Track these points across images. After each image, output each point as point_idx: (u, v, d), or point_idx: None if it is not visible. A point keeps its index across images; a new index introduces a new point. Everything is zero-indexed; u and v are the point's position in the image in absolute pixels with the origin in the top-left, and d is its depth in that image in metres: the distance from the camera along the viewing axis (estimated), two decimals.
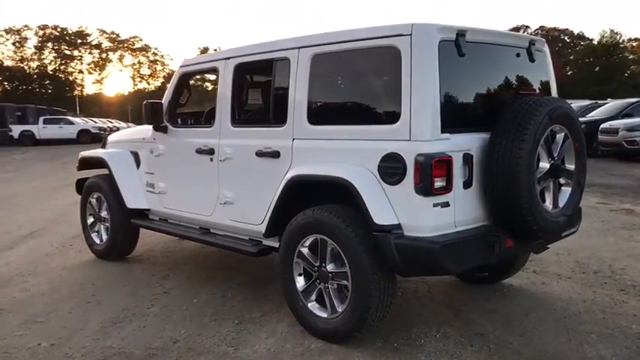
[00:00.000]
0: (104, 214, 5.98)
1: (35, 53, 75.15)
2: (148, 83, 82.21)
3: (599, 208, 8.65)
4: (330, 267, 3.82)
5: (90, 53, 78.45)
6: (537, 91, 4.25)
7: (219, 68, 4.75)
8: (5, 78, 73.69)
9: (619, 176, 12.46)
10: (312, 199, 3.99)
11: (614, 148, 15.91)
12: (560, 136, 3.81)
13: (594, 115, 18.31)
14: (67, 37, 75.96)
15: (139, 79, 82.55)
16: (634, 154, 15.35)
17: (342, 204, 3.79)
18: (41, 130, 34.36)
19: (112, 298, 4.81)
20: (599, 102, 21.44)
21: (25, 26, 73.75)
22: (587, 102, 22.48)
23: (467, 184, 3.58)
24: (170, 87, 5.36)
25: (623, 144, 15.51)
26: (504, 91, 3.87)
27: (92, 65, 77.61)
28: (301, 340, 3.91)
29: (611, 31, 67.25)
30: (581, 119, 15.59)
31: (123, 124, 41.56)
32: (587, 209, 8.46)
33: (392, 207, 3.52)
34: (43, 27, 74.78)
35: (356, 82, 3.99)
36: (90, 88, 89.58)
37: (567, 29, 73.79)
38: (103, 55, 77.86)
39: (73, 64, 78.04)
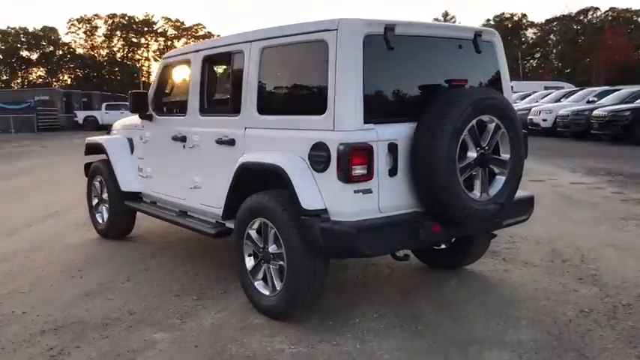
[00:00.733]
0: (105, 196, 6.43)
1: (104, 41, 78.15)
2: None
3: (610, 198, 8.51)
4: (271, 248, 4.08)
5: (156, 41, 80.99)
6: (484, 82, 4.36)
7: (191, 60, 5.07)
8: (77, 65, 76.91)
9: None
10: (270, 184, 4.24)
11: None
12: (491, 127, 3.90)
13: None
14: (134, 26, 78.51)
15: None
16: None
17: (285, 189, 4.03)
18: (104, 115, 35.97)
19: (95, 274, 5.24)
20: None
21: (96, 15, 76.85)
22: None
23: (392, 172, 3.75)
24: (155, 77, 5.72)
25: None
26: (435, 83, 3.98)
27: (158, 52, 79.92)
28: (246, 316, 4.19)
29: None
30: (628, 106, 15.48)
31: None
32: (599, 199, 8.40)
33: (320, 193, 3.74)
34: (112, 16, 77.67)
35: (294, 75, 4.22)
36: None
37: None
38: (168, 43, 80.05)
39: (139, 52, 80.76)
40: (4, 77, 75.69)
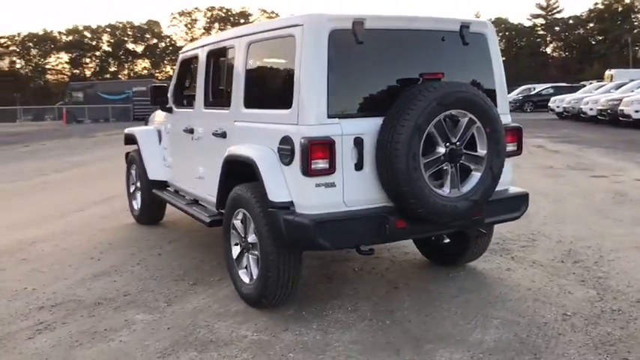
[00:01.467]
0: (139, 184, 6.81)
1: (203, 33, 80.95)
2: None
3: None
4: (250, 239, 4.21)
5: None
6: (471, 75, 4.24)
7: (198, 54, 5.27)
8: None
9: None
10: (254, 177, 4.35)
11: None
12: (463, 121, 3.81)
13: None
14: (231, 18, 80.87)
15: None
16: None
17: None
18: None
19: (112, 257, 5.60)
20: None
21: (196, 9, 79.88)
22: None
23: (358, 167, 3.77)
24: (175, 71, 5.99)
25: None
26: (409, 77, 3.92)
27: None
28: (229, 303, 4.35)
29: None
30: None
31: None
32: None
33: (287, 186, 3.82)
34: (211, 9, 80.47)
35: (271, 70, 4.32)
36: None
37: None
38: None
39: None
40: (112, 69, 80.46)
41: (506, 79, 4.45)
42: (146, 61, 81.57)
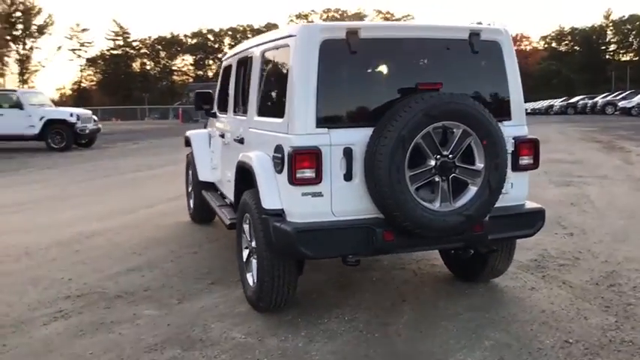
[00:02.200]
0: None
1: None
2: None
3: None
4: (253, 243, 4.32)
5: None
6: (481, 84, 4.09)
7: (232, 64, 5.46)
8: None
9: None
10: None
11: None
12: (457, 133, 3.68)
13: None
14: (346, 19, 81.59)
15: None
16: None
17: None
18: None
19: (152, 252, 5.93)
20: None
21: (312, 11, 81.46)
22: None
23: (348, 177, 3.76)
24: (219, 78, 6.24)
25: None
26: (407, 87, 3.82)
27: None
28: (236, 304, 4.48)
29: None
30: None
31: None
32: None
33: (279, 194, 3.88)
34: (327, 10, 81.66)
35: (275, 78, 4.38)
36: None
37: None
38: None
39: None
40: None
41: None
42: None
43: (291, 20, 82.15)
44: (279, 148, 3.84)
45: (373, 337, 3.86)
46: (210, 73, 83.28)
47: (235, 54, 5.46)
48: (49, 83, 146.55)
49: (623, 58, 77.92)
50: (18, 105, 18.53)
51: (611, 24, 77.47)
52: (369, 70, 3.90)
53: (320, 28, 3.75)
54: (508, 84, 4.13)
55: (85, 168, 14.12)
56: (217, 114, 6.14)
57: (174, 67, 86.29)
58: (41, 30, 70.93)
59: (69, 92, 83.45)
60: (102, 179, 11.94)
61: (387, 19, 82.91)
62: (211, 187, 6.65)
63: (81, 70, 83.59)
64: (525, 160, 4.14)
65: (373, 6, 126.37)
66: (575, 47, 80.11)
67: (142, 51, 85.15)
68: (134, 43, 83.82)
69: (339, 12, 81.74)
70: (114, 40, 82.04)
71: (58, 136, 18.62)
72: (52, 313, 4.36)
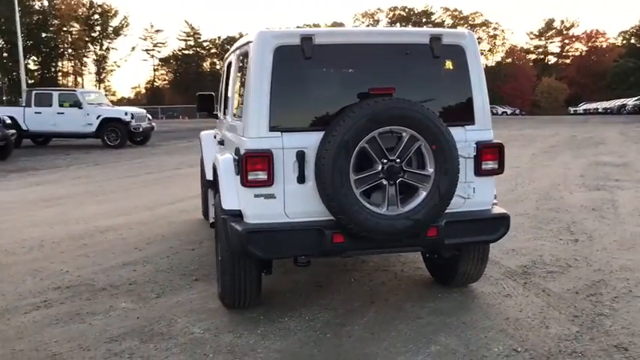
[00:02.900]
0: None
1: None
2: (487, 58, 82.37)
3: None
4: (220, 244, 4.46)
5: None
6: (442, 89, 4.07)
7: (224, 68, 5.62)
8: None
9: None
10: None
11: None
12: (404, 138, 3.69)
13: None
14: (412, 17, 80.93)
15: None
16: None
17: None
18: None
19: (154, 248, 6.18)
20: None
21: (378, 9, 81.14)
22: None
23: (300, 180, 3.84)
24: (221, 78, 6.40)
25: None
26: (358, 92, 3.85)
27: None
28: (209, 301, 4.64)
29: None
30: None
31: None
32: None
33: (238, 195, 4.01)
34: (393, 8, 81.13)
35: (240, 83, 4.49)
36: None
37: None
38: None
39: None
40: None
41: None
42: None
43: (357, 19, 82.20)
44: (237, 151, 3.97)
45: (325, 337, 3.92)
46: None
47: (225, 58, 5.62)
48: (124, 83, 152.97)
49: None
50: (77, 104, 19.52)
51: None
52: (324, 76, 3.96)
53: (274, 34, 3.84)
54: (472, 88, 4.09)
55: (131, 165, 14.74)
56: (219, 115, 6.32)
57: None
58: (117, 31, 74.12)
59: (143, 91, 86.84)
60: (143, 176, 12.44)
61: (455, 16, 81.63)
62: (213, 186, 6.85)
63: (154, 70, 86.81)
64: (489, 165, 4.08)
65: (441, 3, 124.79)
66: None
67: (212, 51, 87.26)
68: (204, 44, 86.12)
69: (406, 10, 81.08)
70: (185, 40, 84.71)
71: (113, 134, 19.51)
72: (37, 302, 4.65)
